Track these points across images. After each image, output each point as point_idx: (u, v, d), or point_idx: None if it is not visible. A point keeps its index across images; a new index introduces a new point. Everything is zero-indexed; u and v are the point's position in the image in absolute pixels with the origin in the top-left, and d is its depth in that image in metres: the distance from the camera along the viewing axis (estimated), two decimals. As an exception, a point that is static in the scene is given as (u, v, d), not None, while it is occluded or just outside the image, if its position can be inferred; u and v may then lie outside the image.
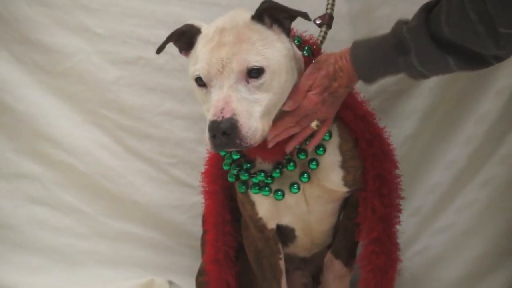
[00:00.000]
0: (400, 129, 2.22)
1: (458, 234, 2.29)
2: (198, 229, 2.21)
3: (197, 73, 1.53)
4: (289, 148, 1.64)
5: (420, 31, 1.43)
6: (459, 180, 2.28)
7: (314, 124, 1.63)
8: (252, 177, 1.74)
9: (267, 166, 1.73)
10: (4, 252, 2.40)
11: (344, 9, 2.14)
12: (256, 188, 1.73)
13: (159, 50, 1.66)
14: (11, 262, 2.39)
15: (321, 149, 1.70)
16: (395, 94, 2.22)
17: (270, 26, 1.58)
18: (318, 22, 1.80)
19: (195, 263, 2.20)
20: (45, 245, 2.42)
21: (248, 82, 1.51)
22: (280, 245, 1.89)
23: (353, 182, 1.78)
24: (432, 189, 2.32)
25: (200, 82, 1.54)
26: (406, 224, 2.06)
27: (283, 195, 1.73)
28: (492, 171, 2.22)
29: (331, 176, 1.75)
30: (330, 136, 1.71)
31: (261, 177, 1.72)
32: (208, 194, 1.89)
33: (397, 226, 1.84)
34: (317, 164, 1.71)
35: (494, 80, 2.16)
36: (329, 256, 1.97)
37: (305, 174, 1.71)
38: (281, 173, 1.72)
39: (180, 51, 1.68)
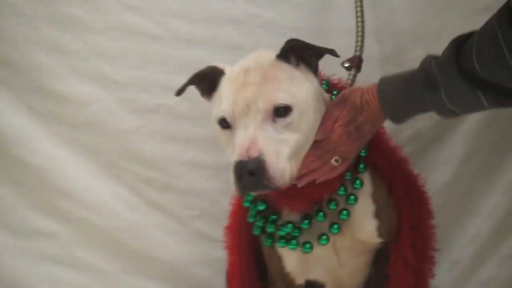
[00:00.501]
0: (436, 177, 2.18)
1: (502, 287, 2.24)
2: (222, 286, 2.16)
3: (221, 114, 1.53)
4: (301, 183, 1.60)
5: (450, 66, 1.39)
6: (500, 229, 2.23)
7: (334, 160, 1.59)
8: (279, 229, 1.71)
9: (294, 217, 1.70)
10: (20, 314, 2.35)
11: (375, 51, 2.12)
12: (283, 241, 1.71)
13: (179, 92, 1.67)
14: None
15: (352, 198, 1.68)
16: (430, 140, 2.18)
17: (296, 65, 1.58)
18: (346, 65, 1.78)
19: None
20: None
21: (275, 122, 1.51)
22: None
23: (388, 232, 1.75)
24: (471, 240, 2.27)
25: (224, 124, 1.54)
26: (444, 279, 2.08)
27: (311, 247, 1.70)
28: None
29: (364, 227, 1.73)
30: (362, 184, 1.68)
31: (288, 229, 1.69)
32: (232, 249, 1.87)
33: (431, 280, 1.80)
34: (348, 214, 1.68)
35: None
36: None
37: (335, 225, 1.68)
38: (310, 224, 1.69)
39: (202, 94, 1.69)
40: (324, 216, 1.68)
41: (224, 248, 1.92)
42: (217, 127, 1.58)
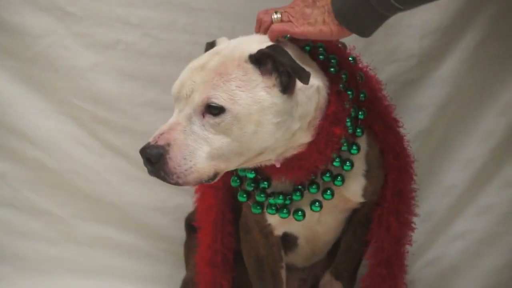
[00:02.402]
0: (411, 124, 2.11)
1: (476, 242, 2.26)
2: (181, 234, 2.22)
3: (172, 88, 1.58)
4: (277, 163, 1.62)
5: None
6: (477, 180, 2.24)
7: (274, 12, 1.59)
8: (269, 198, 1.70)
9: (284, 186, 1.71)
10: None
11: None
12: (273, 208, 1.71)
13: None
14: (-30, 269, 2.42)
15: (348, 164, 1.68)
16: (405, 85, 2.18)
17: (266, 73, 1.52)
18: None
19: (178, 273, 2.22)
20: (9, 251, 2.41)
21: (204, 117, 1.49)
22: (283, 253, 1.89)
23: (372, 193, 1.78)
24: (446, 191, 2.28)
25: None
26: (417, 231, 2.03)
27: (303, 215, 1.71)
28: None
29: (352, 185, 1.74)
30: (359, 150, 1.69)
31: (279, 200, 1.71)
32: (208, 189, 1.88)
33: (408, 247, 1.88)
34: (343, 181, 1.70)
35: None
36: (328, 277, 1.99)
37: (328, 191, 1.70)
38: (302, 195, 1.69)
39: None
40: (318, 188, 1.68)
41: (195, 191, 1.95)
42: None
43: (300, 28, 1.56)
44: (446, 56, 2.21)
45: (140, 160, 2.19)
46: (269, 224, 1.79)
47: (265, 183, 1.71)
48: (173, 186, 2.21)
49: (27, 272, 2.39)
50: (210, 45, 1.65)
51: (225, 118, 1.48)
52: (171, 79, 2.14)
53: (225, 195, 1.89)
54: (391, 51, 2.15)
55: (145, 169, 2.21)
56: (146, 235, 2.41)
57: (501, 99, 2.17)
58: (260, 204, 1.73)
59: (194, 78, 1.51)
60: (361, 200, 1.77)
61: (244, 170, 1.74)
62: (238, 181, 1.75)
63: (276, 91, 1.50)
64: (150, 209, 2.39)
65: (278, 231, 1.82)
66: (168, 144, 1.46)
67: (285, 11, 1.59)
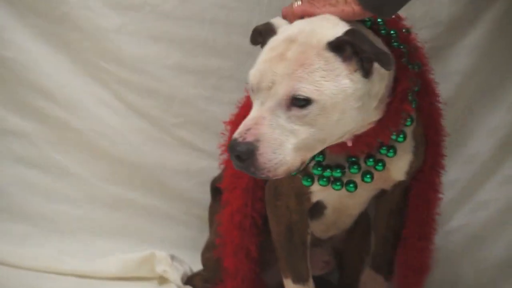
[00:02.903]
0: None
1: (501, 210, 2.25)
2: (205, 197, 2.22)
3: (248, 78, 1.55)
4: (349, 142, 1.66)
5: None
6: (503, 148, 2.23)
7: (296, 3, 1.62)
8: (325, 171, 1.74)
9: (337, 158, 1.74)
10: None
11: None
12: (325, 180, 1.73)
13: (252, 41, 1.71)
14: (-3, 231, 2.46)
15: (401, 136, 1.69)
16: (431, 52, 2.08)
17: (347, 59, 1.52)
18: None
19: (201, 236, 2.23)
20: (34, 211, 2.43)
21: (290, 110, 1.49)
22: (309, 220, 1.91)
23: (414, 171, 1.81)
24: (471, 159, 2.27)
25: (249, 87, 1.57)
26: (459, 175, 2.22)
27: (355, 187, 1.73)
28: None
29: (400, 161, 1.76)
30: (412, 121, 1.71)
31: (337, 173, 1.73)
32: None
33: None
34: (395, 152, 1.72)
35: None
36: (368, 271, 2.02)
37: (380, 163, 1.71)
38: (359, 169, 1.72)
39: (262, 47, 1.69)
40: (374, 161, 1.70)
41: (220, 154, 1.96)
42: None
43: (322, 9, 1.58)
44: (473, 25, 2.20)
45: (163, 121, 2.44)
46: (310, 192, 1.80)
47: (321, 156, 1.72)
48: (195, 148, 2.38)
49: (51, 232, 2.41)
50: (264, 27, 1.65)
51: (312, 109, 1.48)
52: (196, 41, 2.31)
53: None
54: (419, 18, 2.13)
55: (170, 131, 2.36)
56: (170, 197, 2.42)
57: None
58: (311, 177, 1.74)
59: (275, 69, 1.50)
60: (403, 178, 1.78)
61: None
62: None
63: (358, 76, 1.52)
64: (174, 171, 2.40)
65: (315, 199, 1.84)
66: (257, 140, 1.47)
67: None
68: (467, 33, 2.18)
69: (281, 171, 1.50)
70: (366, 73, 1.52)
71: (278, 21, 1.64)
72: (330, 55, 1.50)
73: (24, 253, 2.33)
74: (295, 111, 1.48)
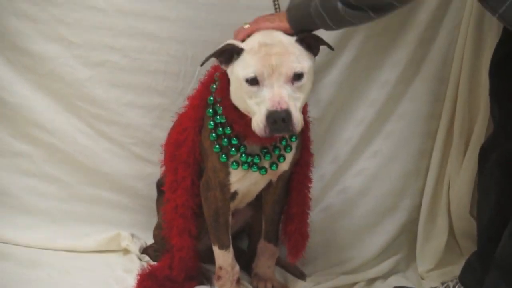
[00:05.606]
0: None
1: (354, 193, 2.62)
2: (153, 194, 2.45)
3: (252, 74, 1.74)
4: None
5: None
6: (355, 150, 2.58)
7: (245, 26, 1.86)
8: (241, 155, 1.92)
9: (253, 148, 1.95)
10: (3, 214, 2.58)
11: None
12: (246, 165, 1.94)
13: (202, 63, 1.87)
14: (9, 221, 2.56)
15: (294, 138, 1.98)
16: None
17: (307, 48, 1.83)
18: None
19: (151, 220, 2.47)
20: (35, 208, 2.61)
21: (292, 84, 1.75)
22: (230, 204, 2.10)
23: (293, 164, 2.06)
24: (333, 159, 2.60)
25: (253, 82, 1.75)
26: (326, 170, 2.52)
27: (266, 171, 1.97)
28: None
29: (289, 155, 2.02)
30: (296, 138, 1.98)
31: (256, 160, 1.93)
32: (181, 164, 2.05)
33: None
34: (291, 149, 1.99)
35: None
36: (263, 242, 2.25)
37: (281, 158, 1.99)
38: (270, 157, 1.95)
39: (221, 63, 1.87)
40: (279, 150, 1.96)
41: (161, 164, 2.17)
42: (244, 84, 1.76)
43: (262, 25, 1.85)
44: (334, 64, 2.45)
45: (123, 142, 2.54)
46: (230, 184, 1.99)
47: (236, 141, 1.92)
48: (145, 159, 2.53)
49: (47, 222, 2.60)
50: (230, 46, 1.79)
51: (304, 80, 1.76)
52: (143, 86, 2.49)
53: (195, 169, 2.06)
54: None
55: (127, 148, 2.55)
56: (129, 194, 2.63)
57: (370, 93, 2.47)
58: (226, 155, 1.92)
59: (269, 62, 1.73)
60: (287, 168, 2.03)
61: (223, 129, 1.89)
62: (212, 126, 1.93)
63: (312, 56, 1.83)
64: (131, 176, 2.60)
65: (233, 189, 2.03)
66: (288, 107, 1.69)
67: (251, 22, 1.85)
68: (328, 72, 2.46)
69: (300, 126, 1.73)
70: (315, 55, 1.83)
71: (234, 41, 1.84)
72: (299, 46, 1.80)
73: (28, 237, 2.52)
74: (296, 84, 1.74)
